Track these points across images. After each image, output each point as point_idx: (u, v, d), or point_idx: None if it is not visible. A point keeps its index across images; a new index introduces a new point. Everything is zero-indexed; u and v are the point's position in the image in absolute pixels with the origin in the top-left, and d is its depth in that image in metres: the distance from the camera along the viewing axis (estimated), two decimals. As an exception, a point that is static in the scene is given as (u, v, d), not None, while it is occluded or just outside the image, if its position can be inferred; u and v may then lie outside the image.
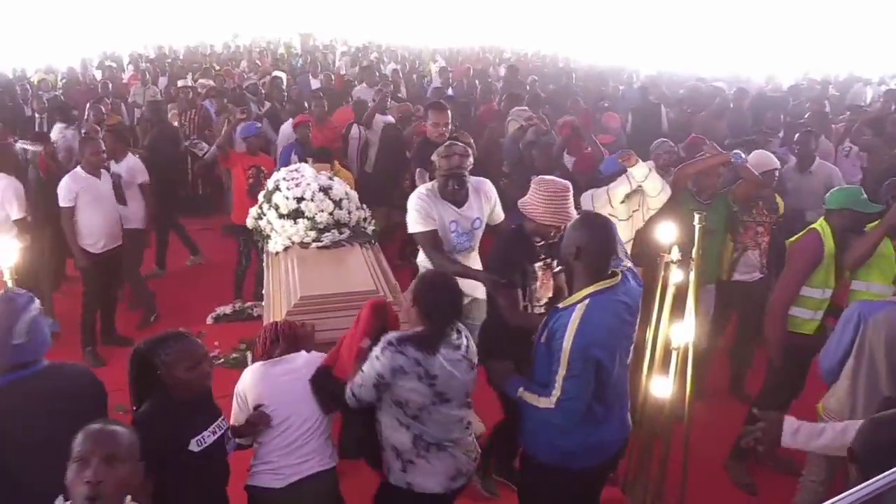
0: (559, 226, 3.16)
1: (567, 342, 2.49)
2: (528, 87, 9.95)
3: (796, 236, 3.94)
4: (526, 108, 8.22)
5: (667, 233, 3.42)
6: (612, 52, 17.89)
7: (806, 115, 8.03)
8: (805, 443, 2.44)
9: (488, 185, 3.96)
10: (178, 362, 2.46)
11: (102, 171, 5.44)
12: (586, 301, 2.55)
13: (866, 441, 1.93)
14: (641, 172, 4.22)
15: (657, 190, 4.27)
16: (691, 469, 3.53)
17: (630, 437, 2.99)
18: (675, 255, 3.33)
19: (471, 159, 3.73)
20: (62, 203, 5.21)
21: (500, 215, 3.99)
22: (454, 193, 3.69)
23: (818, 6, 18.36)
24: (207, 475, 2.55)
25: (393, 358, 2.55)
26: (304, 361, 2.95)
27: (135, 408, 2.54)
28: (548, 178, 3.33)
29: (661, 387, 3.26)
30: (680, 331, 3.22)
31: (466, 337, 2.79)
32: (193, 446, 2.48)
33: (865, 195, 3.85)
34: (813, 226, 3.88)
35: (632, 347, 2.78)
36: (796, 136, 6.22)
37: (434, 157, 3.72)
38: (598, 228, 2.64)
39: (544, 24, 23.78)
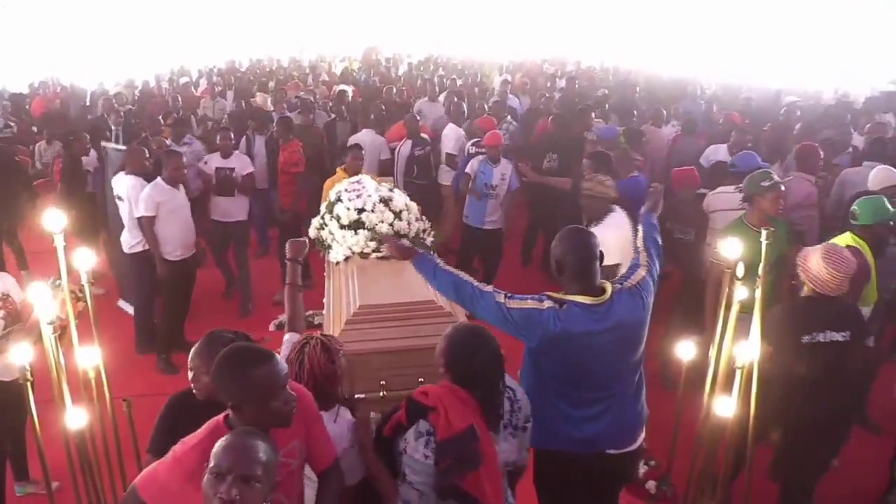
0: None
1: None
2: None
3: None
4: (600, 119, 8.28)
5: (732, 248, 3.33)
6: (675, 63, 17.59)
7: None
8: None
9: None
10: (191, 362, 2.46)
11: (180, 184, 5.65)
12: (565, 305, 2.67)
13: None
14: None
15: None
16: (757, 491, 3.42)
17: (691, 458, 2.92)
18: (740, 271, 3.24)
19: None
20: (144, 213, 5.42)
21: None
22: None
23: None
24: None
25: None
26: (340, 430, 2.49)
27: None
28: None
29: (723, 407, 3.17)
30: (744, 349, 3.13)
31: (509, 399, 2.47)
32: None
33: (881, 201, 3.86)
34: (847, 241, 3.79)
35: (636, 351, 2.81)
36: None
37: None
38: (574, 242, 2.75)
39: (605, 36, 23.55)
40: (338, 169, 6.13)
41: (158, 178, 5.53)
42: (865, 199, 4.03)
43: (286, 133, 7.04)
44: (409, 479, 2.37)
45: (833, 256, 3.38)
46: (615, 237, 4.15)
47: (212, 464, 1.79)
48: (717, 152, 7.02)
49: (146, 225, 5.43)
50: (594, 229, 4.14)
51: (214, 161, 6.57)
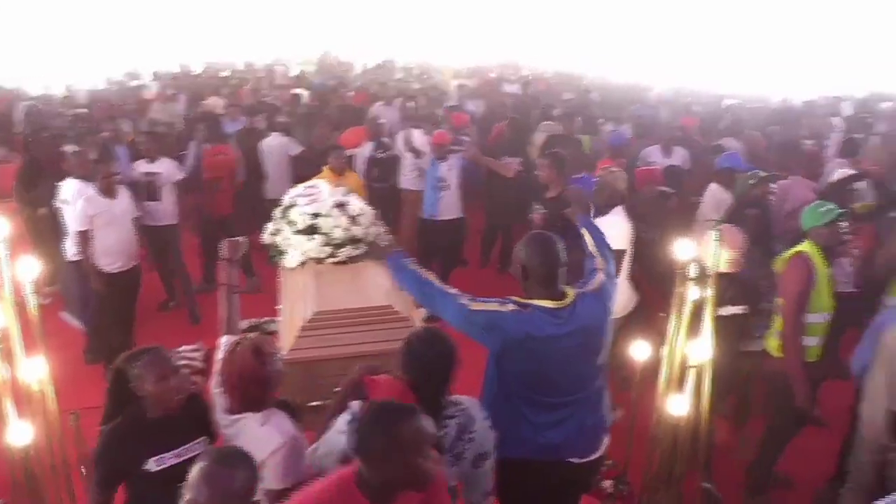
0: None
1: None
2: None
3: (782, 261, 3.89)
4: (552, 122, 8.38)
5: (685, 249, 3.39)
6: (627, 68, 17.91)
7: None
8: None
9: None
10: (146, 375, 2.45)
11: (118, 190, 5.49)
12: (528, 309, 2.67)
13: None
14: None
15: None
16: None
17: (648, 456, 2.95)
18: (693, 271, 3.30)
19: None
20: (78, 227, 5.28)
21: None
22: None
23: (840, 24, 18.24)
24: (169, 497, 2.22)
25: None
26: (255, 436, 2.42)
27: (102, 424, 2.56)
28: None
29: (676, 405, 3.22)
30: (696, 349, 3.19)
31: (459, 424, 2.42)
32: (150, 465, 2.46)
33: (824, 206, 3.86)
34: (799, 248, 3.82)
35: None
36: None
37: None
38: (540, 248, 2.73)
39: (560, 41, 23.83)
40: (324, 168, 6.32)
41: (91, 190, 5.36)
42: (809, 205, 4.08)
43: (211, 136, 7.22)
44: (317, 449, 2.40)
45: (724, 236, 3.61)
46: (621, 226, 4.53)
47: (188, 497, 1.76)
48: (651, 154, 7.31)
49: (80, 239, 5.28)
50: (601, 219, 4.40)
51: (142, 166, 6.42)
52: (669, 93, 13.03)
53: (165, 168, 6.42)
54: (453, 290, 2.77)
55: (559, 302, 2.67)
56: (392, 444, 1.91)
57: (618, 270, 3.66)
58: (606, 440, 2.95)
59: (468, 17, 26.18)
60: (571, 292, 2.73)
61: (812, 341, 3.80)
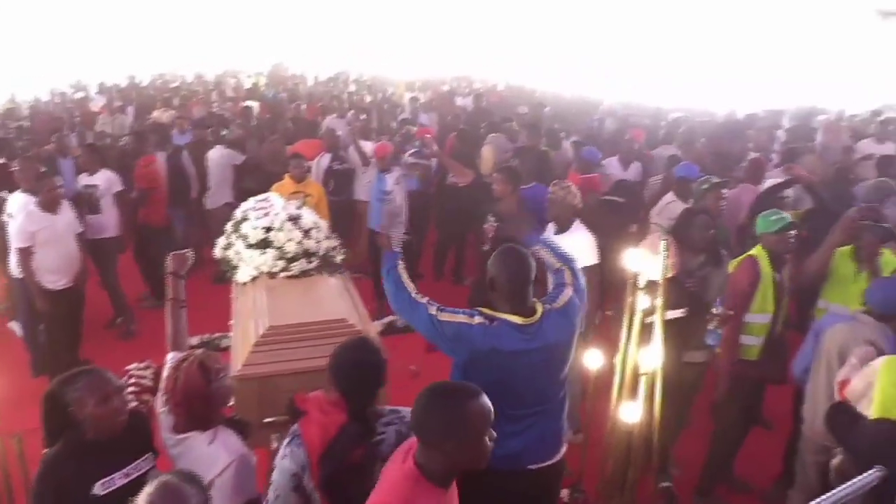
0: None
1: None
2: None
3: (734, 263, 4.03)
4: (500, 134, 8.48)
5: (635, 259, 3.46)
6: (577, 82, 18.21)
7: None
8: None
9: None
10: (87, 398, 2.32)
11: (61, 205, 5.35)
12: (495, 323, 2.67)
13: None
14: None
15: None
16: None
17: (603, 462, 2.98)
18: (642, 280, 3.37)
19: None
20: (17, 245, 5.12)
21: None
22: None
23: (785, 40, 18.85)
24: None
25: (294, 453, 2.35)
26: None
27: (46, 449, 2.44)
28: None
29: (628, 412, 3.28)
30: (648, 356, 3.25)
31: (398, 431, 2.43)
32: (98, 490, 2.34)
33: (776, 215, 3.98)
34: (750, 252, 3.98)
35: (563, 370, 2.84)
36: None
37: None
38: (510, 262, 2.73)
39: (512, 55, 24.09)
40: (286, 176, 6.39)
41: (31, 205, 5.20)
42: (763, 213, 4.17)
43: (140, 147, 7.26)
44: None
45: (657, 244, 3.71)
46: (588, 240, 4.50)
47: None
48: (611, 166, 7.45)
49: (21, 256, 5.12)
50: (564, 237, 4.36)
51: (82, 179, 6.36)
52: (618, 106, 13.34)
53: (104, 180, 6.31)
54: (424, 299, 2.77)
55: (527, 318, 2.67)
56: (461, 423, 1.89)
57: (592, 285, 3.69)
58: (564, 446, 2.97)
59: (421, 30, 26.28)
60: (540, 308, 2.73)
61: (753, 341, 3.95)
